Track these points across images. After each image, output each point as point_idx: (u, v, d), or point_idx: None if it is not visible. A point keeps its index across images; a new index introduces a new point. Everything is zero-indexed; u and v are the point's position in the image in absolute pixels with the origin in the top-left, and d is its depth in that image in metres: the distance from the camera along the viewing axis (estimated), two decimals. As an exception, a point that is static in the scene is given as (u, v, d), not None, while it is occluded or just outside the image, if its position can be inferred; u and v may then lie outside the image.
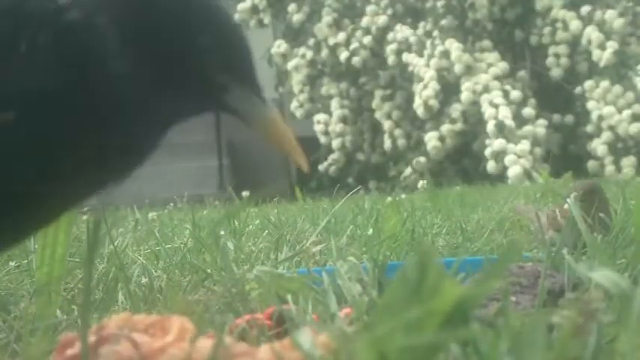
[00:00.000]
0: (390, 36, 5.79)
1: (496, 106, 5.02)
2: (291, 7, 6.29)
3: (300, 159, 0.53)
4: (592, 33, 5.23)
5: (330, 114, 6.18)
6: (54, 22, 0.42)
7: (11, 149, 0.42)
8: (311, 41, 6.17)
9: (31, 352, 0.49)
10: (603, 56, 5.14)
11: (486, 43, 5.58)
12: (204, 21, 0.48)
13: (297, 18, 6.27)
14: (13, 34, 0.41)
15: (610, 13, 5.23)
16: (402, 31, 5.71)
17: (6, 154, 0.42)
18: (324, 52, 6.09)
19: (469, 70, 5.30)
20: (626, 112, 4.99)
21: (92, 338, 0.44)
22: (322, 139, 6.16)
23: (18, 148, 0.42)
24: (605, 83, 5.13)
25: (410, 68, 5.61)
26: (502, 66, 5.33)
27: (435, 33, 5.55)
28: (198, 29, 0.48)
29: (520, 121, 5.03)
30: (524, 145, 4.84)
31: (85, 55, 0.42)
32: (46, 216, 0.49)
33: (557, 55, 5.54)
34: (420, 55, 5.53)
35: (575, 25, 5.34)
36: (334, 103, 6.18)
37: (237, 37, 0.51)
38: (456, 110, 5.36)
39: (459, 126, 5.37)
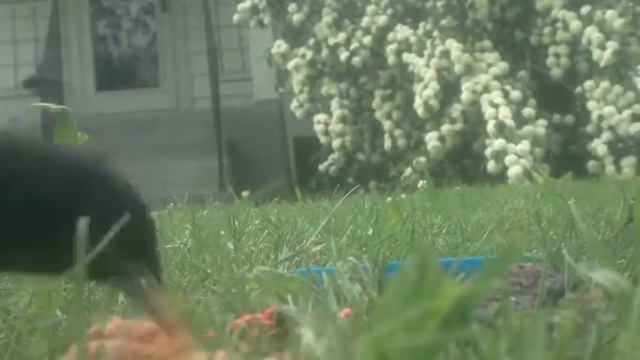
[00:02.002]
0: (390, 36, 5.79)
1: (496, 106, 5.02)
2: (291, 7, 6.29)
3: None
4: (592, 33, 5.23)
5: (330, 114, 6.18)
6: None
7: None
8: (311, 41, 6.17)
9: (31, 352, 0.49)
10: (603, 56, 5.14)
11: (486, 43, 5.58)
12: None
13: (297, 18, 6.27)
14: None
15: (610, 13, 5.22)
16: (402, 31, 5.71)
17: None
18: (324, 52, 6.09)
19: (469, 70, 5.30)
20: (626, 112, 4.99)
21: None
22: (322, 139, 6.16)
23: None
24: (605, 83, 5.13)
25: (410, 68, 5.61)
26: (502, 66, 5.33)
27: (435, 33, 5.55)
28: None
29: (520, 121, 5.03)
30: (524, 145, 4.84)
31: None
32: None
33: (557, 55, 5.54)
34: (420, 55, 5.53)
35: (575, 25, 5.34)
36: (334, 103, 6.18)
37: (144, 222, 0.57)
38: (456, 110, 5.36)
39: (459, 126, 5.37)
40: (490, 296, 0.61)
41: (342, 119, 6.15)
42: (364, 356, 0.39)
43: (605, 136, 5.05)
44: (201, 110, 7.01)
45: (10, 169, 0.54)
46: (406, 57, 5.63)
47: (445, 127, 5.37)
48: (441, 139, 5.38)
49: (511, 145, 4.85)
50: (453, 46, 5.35)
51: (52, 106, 0.78)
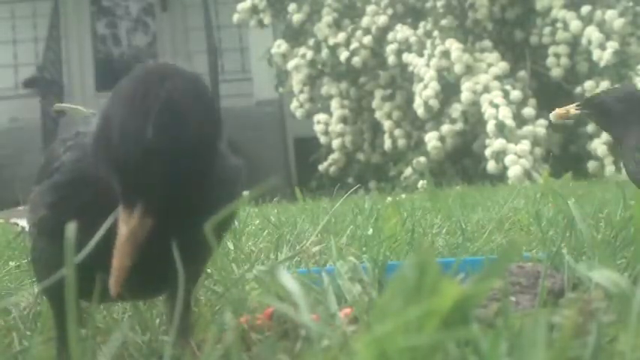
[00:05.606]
0: (390, 36, 5.78)
1: (496, 106, 5.02)
2: (291, 7, 6.29)
3: (112, 281, 0.51)
4: (592, 33, 5.23)
5: (330, 114, 6.18)
6: None
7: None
8: (311, 41, 6.17)
9: (32, 353, 0.49)
10: (603, 56, 5.14)
11: (486, 43, 5.58)
12: None
13: (297, 18, 6.27)
14: None
15: (610, 13, 5.22)
16: (402, 31, 5.71)
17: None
18: (324, 52, 6.08)
19: (469, 70, 5.30)
20: (626, 112, 4.98)
21: None
22: (322, 139, 6.16)
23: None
24: (605, 83, 5.13)
25: (410, 68, 5.61)
26: (502, 66, 5.32)
27: (435, 33, 5.54)
28: None
29: (520, 121, 5.03)
30: (524, 145, 4.84)
31: None
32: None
33: (557, 55, 5.53)
34: (420, 55, 5.52)
35: (575, 25, 5.34)
36: (334, 103, 6.17)
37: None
38: (456, 110, 5.36)
39: (459, 126, 5.36)
40: (490, 296, 0.61)
41: (342, 119, 6.15)
42: (364, 356, 0.39)
43: (605, 136, 5.04)
44: (201, 110, 6.99)
45: None
46: (406, 57, 5.63)
47: (445, 127, 5.37)
48: (441, 139, 5.38)
49: (511, 145, 4.85)
50: (453, 46, 5.35)
51: (74, 107, 0.78)
